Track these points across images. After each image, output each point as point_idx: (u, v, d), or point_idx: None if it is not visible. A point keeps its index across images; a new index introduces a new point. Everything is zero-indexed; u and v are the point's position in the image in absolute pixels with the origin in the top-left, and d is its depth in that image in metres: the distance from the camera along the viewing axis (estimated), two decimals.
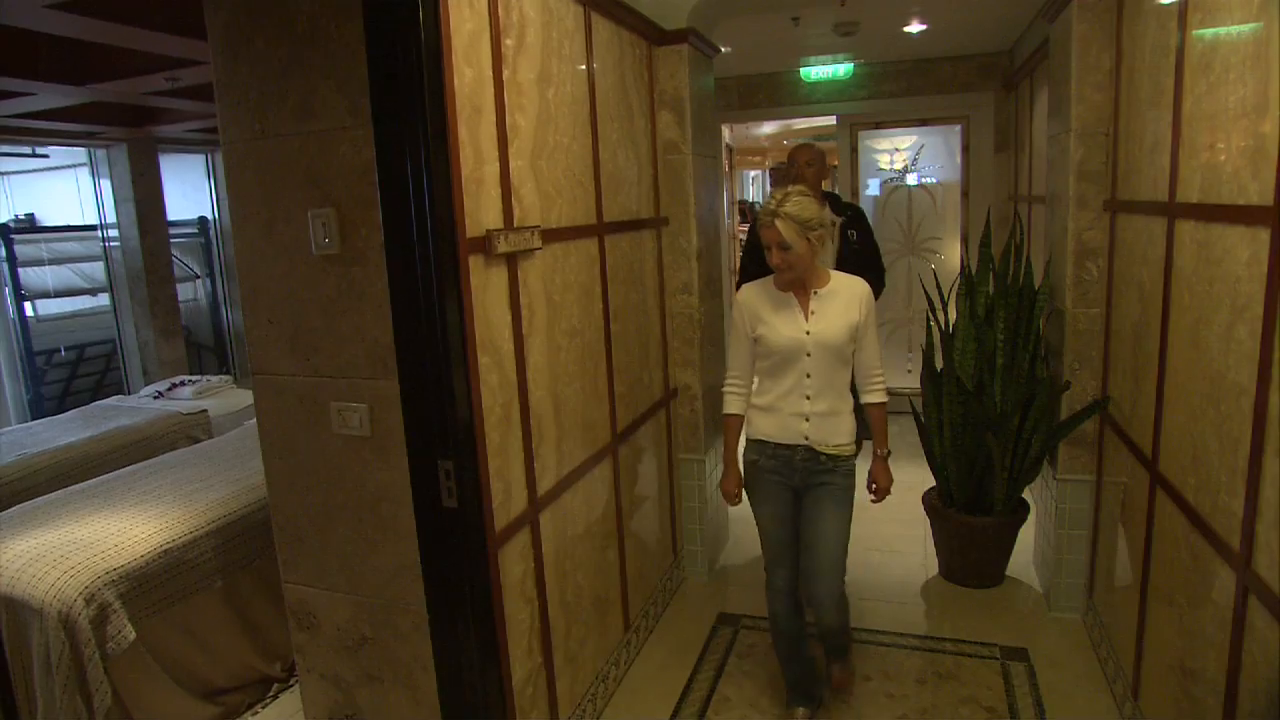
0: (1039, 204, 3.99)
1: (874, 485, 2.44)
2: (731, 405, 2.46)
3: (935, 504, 3.45)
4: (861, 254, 3.53)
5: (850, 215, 3.56)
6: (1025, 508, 3.37)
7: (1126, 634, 2.46)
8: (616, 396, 2.78)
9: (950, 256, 5.79)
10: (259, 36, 1.92)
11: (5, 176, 7.23)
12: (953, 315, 3.38)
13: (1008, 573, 3.42)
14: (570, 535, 2.45)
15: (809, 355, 2.30)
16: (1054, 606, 3.11)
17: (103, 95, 4.33)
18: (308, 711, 2.33)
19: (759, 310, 2.37)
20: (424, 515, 1.88)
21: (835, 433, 2.35)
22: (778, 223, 2.22)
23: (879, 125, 5.86)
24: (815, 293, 2.33)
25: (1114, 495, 2.68)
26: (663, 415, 3.29)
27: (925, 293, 3.23)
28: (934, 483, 3.51)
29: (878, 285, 3.50)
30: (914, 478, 3.88)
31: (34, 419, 5.53)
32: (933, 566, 3.56)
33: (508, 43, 2.05)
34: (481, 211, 1.92)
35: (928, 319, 3.55)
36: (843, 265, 3.29)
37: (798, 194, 2.24)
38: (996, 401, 3.13)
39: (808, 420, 2.34)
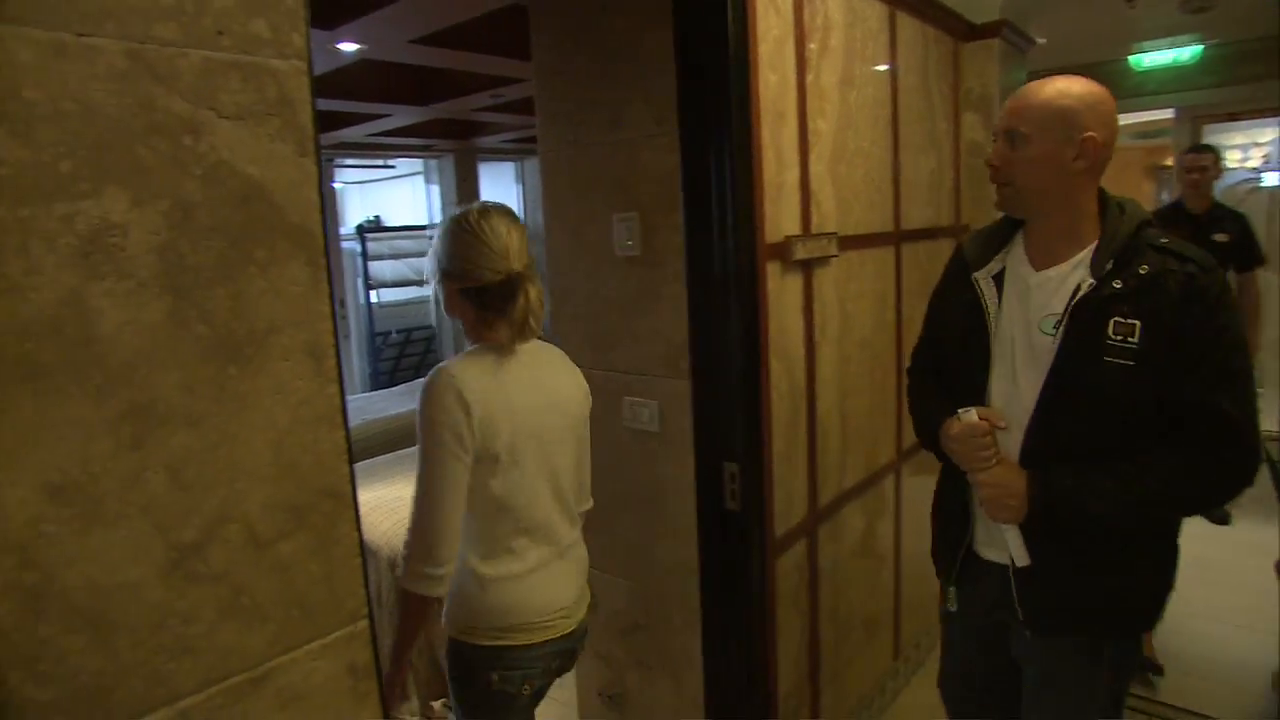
0: None
1: None
2: None
3: None
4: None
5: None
6: None
7: None
8: (903, 414, 2.64)
9: None
10: (578, 55, 2.08)
11: (361, 185, 8.66)
12: None
13: None
14: (846, 550, 2.36)
15: None
16: None
17: (440, 113, 5.02)
18: (580, 683, 2.49)
19: None
20: (706, 515, 1.91)
21: None
22: None
23: (1232, 117, 4.98)
24: None
25: None
26: None
27: None
28: None
29: (1243, 380, 1.32)
30: (1265, 538, 3.22)
31: (373, 390, 6.56)
32: None
33: (811, 47, 2.02)
34: (781, 217, 1.91)
35: None
36: None
37: (495, 212, 1.53)
38: None
39: None
